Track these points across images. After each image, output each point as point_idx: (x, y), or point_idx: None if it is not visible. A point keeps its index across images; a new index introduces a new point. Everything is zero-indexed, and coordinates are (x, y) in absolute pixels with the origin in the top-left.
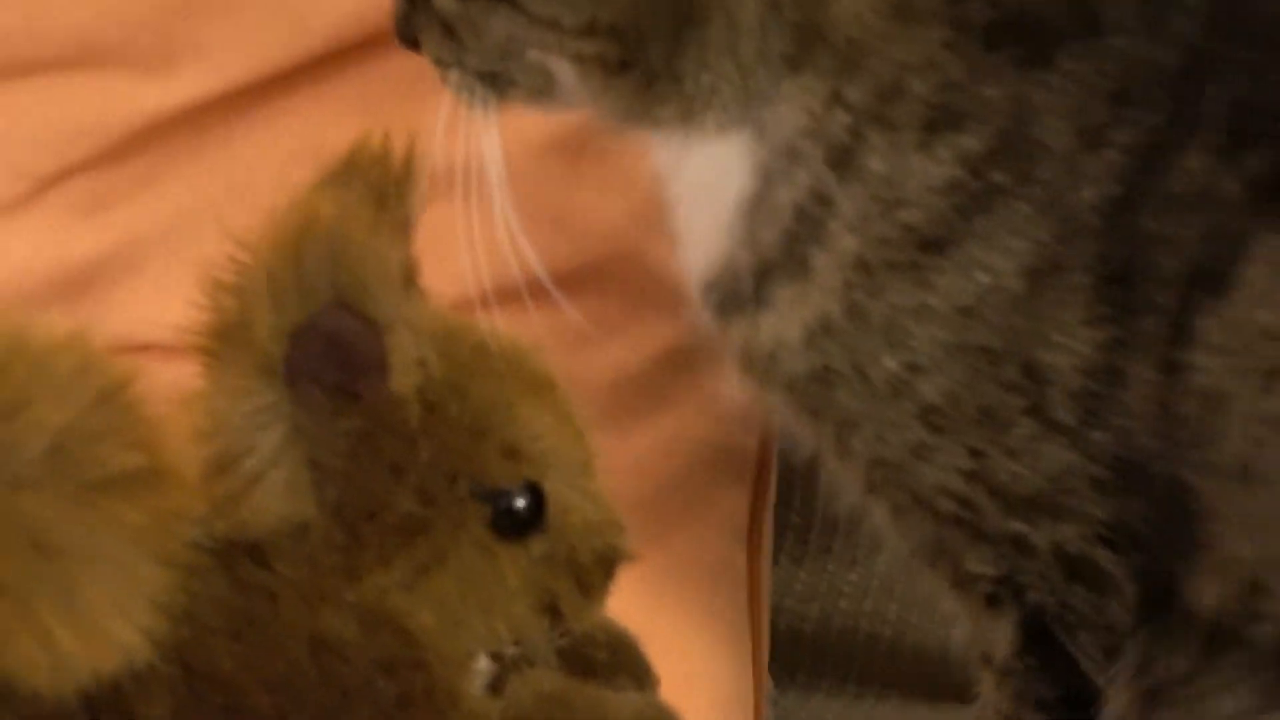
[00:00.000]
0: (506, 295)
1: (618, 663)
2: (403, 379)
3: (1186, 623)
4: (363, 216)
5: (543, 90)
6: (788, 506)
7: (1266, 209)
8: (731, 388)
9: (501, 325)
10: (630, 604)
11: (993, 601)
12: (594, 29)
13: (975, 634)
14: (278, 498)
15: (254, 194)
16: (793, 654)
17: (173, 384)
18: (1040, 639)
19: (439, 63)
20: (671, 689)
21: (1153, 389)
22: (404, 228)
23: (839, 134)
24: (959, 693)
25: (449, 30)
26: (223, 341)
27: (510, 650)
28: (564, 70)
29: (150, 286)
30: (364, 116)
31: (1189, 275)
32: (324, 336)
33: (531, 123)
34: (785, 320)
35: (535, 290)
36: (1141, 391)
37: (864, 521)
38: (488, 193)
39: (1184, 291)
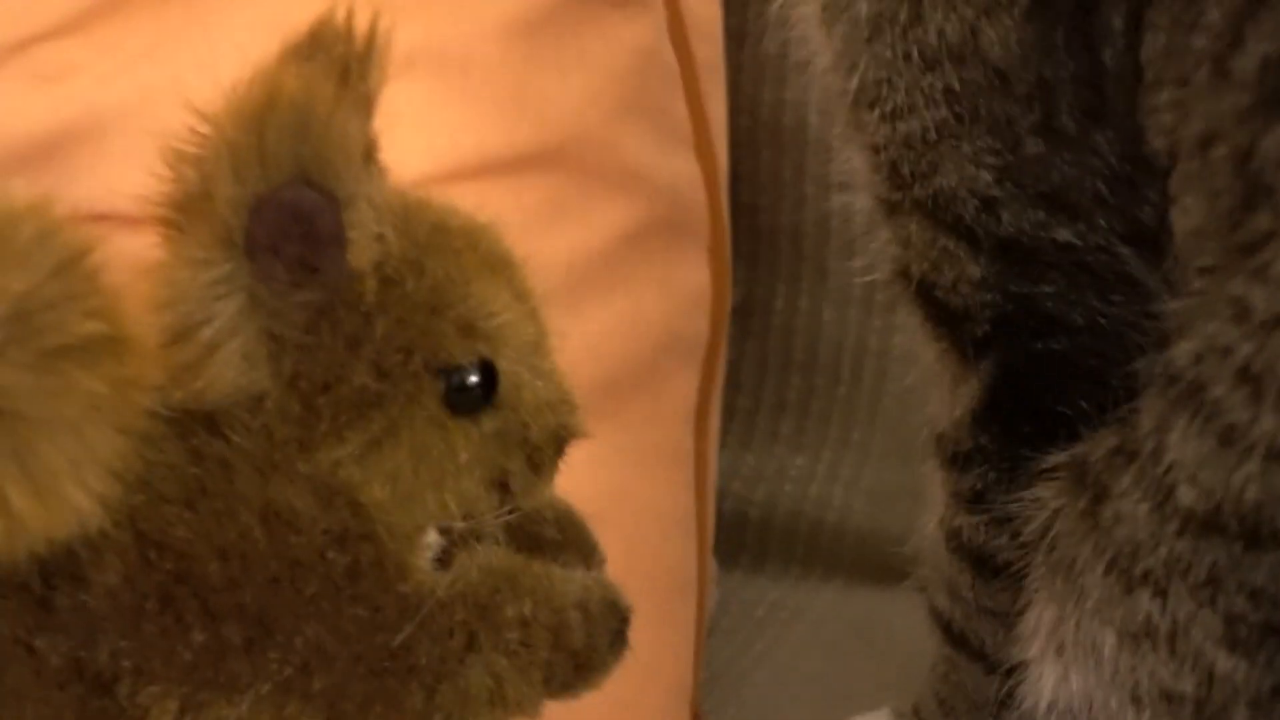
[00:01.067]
0: (466, 173)
1: (565, 540)
2: (361, 254)
3: None
4: (325, 92)
5: None
6: (737, 390)
7: None
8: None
9: (460, 203)
10: (580, 482)
11: (975, 347)
12: None
13: (938, 391)
14: (234, 368)
15: (218, 69)
16: (738, 536)
17: (133, 253)
18: (1003, 405)
19: None
20: (618, 567)
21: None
22: (366, 104)
23: None
24: (900, 576)
25: None
26: (183, 212)
27: (459, 525)
28: None
29: (113, 157)
30: None
31: None
32: (284, 209)
33: (491, 6)
34: None
35: (494, 169)
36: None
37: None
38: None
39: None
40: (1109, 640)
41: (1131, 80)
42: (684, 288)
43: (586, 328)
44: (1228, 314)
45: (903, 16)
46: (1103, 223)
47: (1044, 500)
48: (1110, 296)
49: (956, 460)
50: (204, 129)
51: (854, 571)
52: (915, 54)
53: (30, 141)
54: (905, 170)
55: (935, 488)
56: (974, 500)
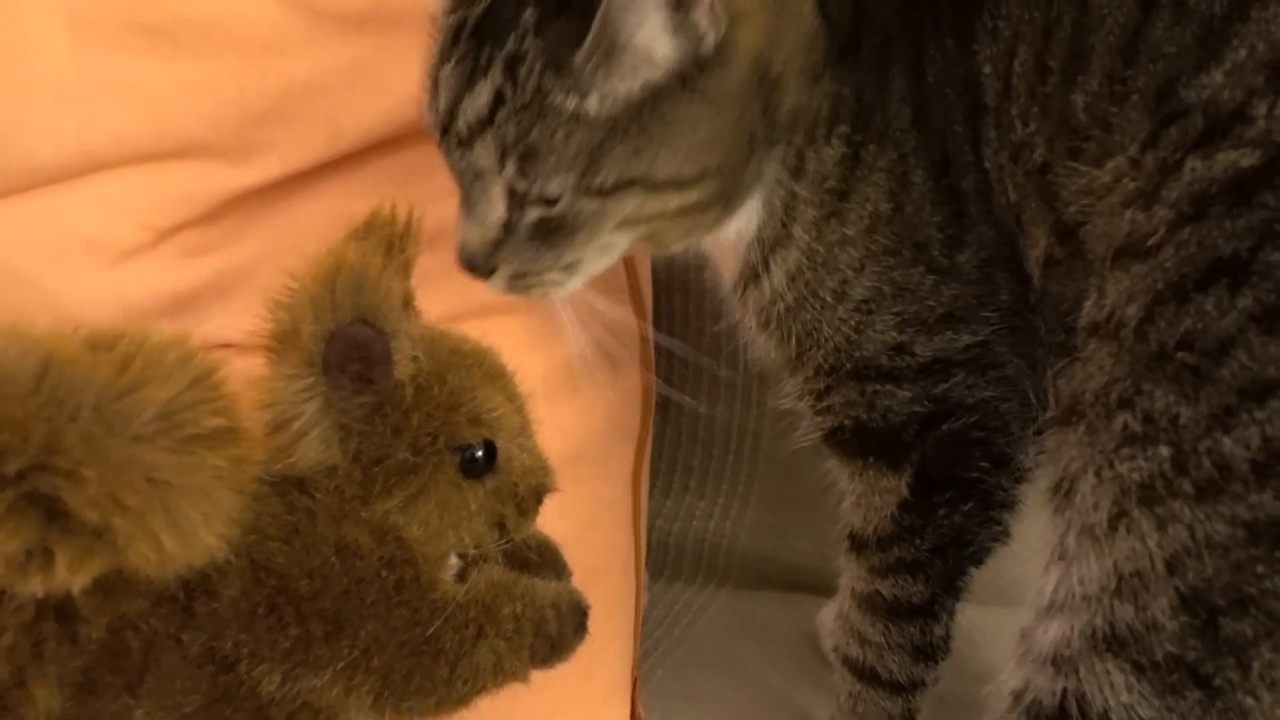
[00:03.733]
0: (473, 314)
1: (544, 561)
2: (402, 370)
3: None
4: (376, 260)
5: (603, 258)
6: (659, 459)
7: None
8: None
9: (470, 334)
10: (553, 522)
11: (900, 449)
12: (705, 174)
13: (861, 509)
14: (315, 448)
15: (304, 245)
16: (661, 557)
17: (245, 371)
18: (931, 486)
19: (515, 280)
20: (580, 580)
21: (981, 197)
22: (405, 268)
23: (793, 158)
24: (771, 584)
25: (548, 238)
26: (279, 342)
27: (471, 552)
28: (623, 238)
29: (232, 306)
30: (379, 192)
31: (966, 118)
32: (349, 340)
33: None
34: (777, 275)
35: (493, 311)
36: (977, 209)
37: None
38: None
39: (971, 131)
40: (1089, 482)
41: (984, 187)
42: (624, 390)
43: (557, 417)
44: (1123, 175)
45: (826, 293)
46: (985, 316)
47: (1057, 457)
48: (988, 377)
49: (881, 543)
50: (293, 286)
51: (739, 581)
52: (829, 301)
53: (176, 297)
54: (828, 365)
55: (844, 576)
56: (896, 566)
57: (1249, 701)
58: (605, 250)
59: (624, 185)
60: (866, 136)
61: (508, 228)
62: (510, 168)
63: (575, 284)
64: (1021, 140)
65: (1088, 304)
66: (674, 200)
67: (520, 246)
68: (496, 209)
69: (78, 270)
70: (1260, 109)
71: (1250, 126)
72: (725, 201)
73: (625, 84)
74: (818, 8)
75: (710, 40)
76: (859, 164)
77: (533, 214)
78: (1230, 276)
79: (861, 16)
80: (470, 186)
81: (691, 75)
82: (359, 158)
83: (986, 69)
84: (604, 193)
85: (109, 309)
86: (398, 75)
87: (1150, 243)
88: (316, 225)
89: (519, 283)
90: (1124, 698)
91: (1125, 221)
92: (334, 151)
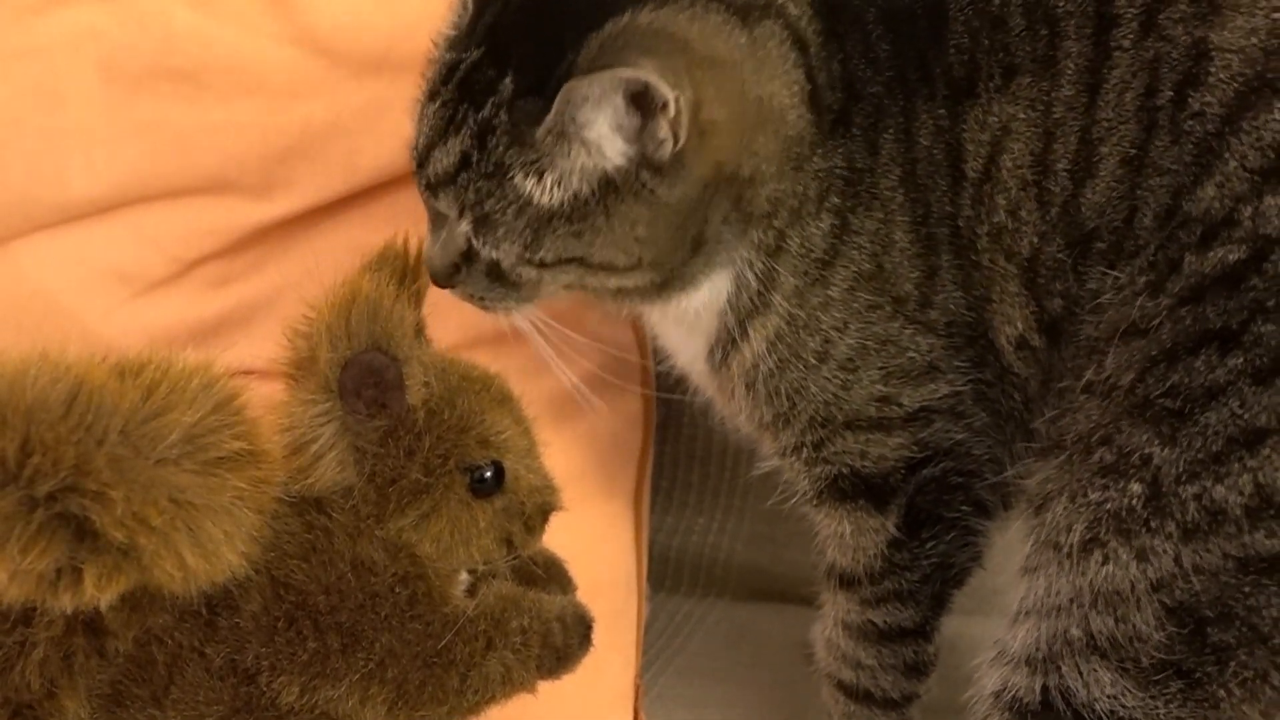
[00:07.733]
0: (483, 342)
1: (550, 576)
2: (414, 395)
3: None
4: (389, 290)
5: (553, 298)
6: (659, 477)
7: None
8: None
9: (478, 361)
10: (559, 538)
11: (888, 492)
12: (638, 265)
13: (849, 549)
14: (332, 469)
15: (321, 275)
16: (662, 570)
17: (265, 396)
18: (919, 525)
19: (473, 299)
20: (585, 593)
21: (954, 256)
22: (417, 298)
23: (772, 239)
24: (764, 595)
25: (499, 281)
26: (298, 369)
27: (481, 568)
28: (566, 293)
29: (255, 334)
30: (393, 226)
31: (950, 178)
32: (363, 367)
33: None
34: (757, 341)
35: (503, 340)
36: (949, 261)
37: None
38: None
39: (951, 190)
40: (1061, 504)
41: (958, 241)
42: (626, 412)
43: (562, 439)
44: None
45: (809, 354)
46: (958, 366)
47: (1032, 478)
48: (962, 424)
49: (873, 578)
50: (311, 315)
51: (735, 592)
52: (812, 361)
53: (200, 325)
54: (820, 417)
55: (830, 607)
56: (887, 597)
57: (1220, 693)
58: (553, 296)
59: (563, 262)
60: (856, 202)
61: (466, 258)
62: (466, 225)
63: (530, 310)
64: (1004, 225)
65: (1087, 372)
66: (610, 280)
67: (477, 278)
68: (457, 243)
69: (108, 300)
70: (1246, 212)
71: (1238, 228)
72: (661, 289)
73: (576, 172)
74: (808, 100)
75: (667, 150)
76: (847, 230)
77: (486, 259)
78: (1220, 342)
79: (852, 93)
80: (436, 217)
81: (642, 177)
82: (374, 193)
83: (970, 146)
84: (544, 265)
85: (137, 337)
86: (410, 115)
87: (1153, 323)
88: (334, 256)
89: (478, 302)
90: (1109, 690)
91: (1135, 309)
92: (350, 187)
